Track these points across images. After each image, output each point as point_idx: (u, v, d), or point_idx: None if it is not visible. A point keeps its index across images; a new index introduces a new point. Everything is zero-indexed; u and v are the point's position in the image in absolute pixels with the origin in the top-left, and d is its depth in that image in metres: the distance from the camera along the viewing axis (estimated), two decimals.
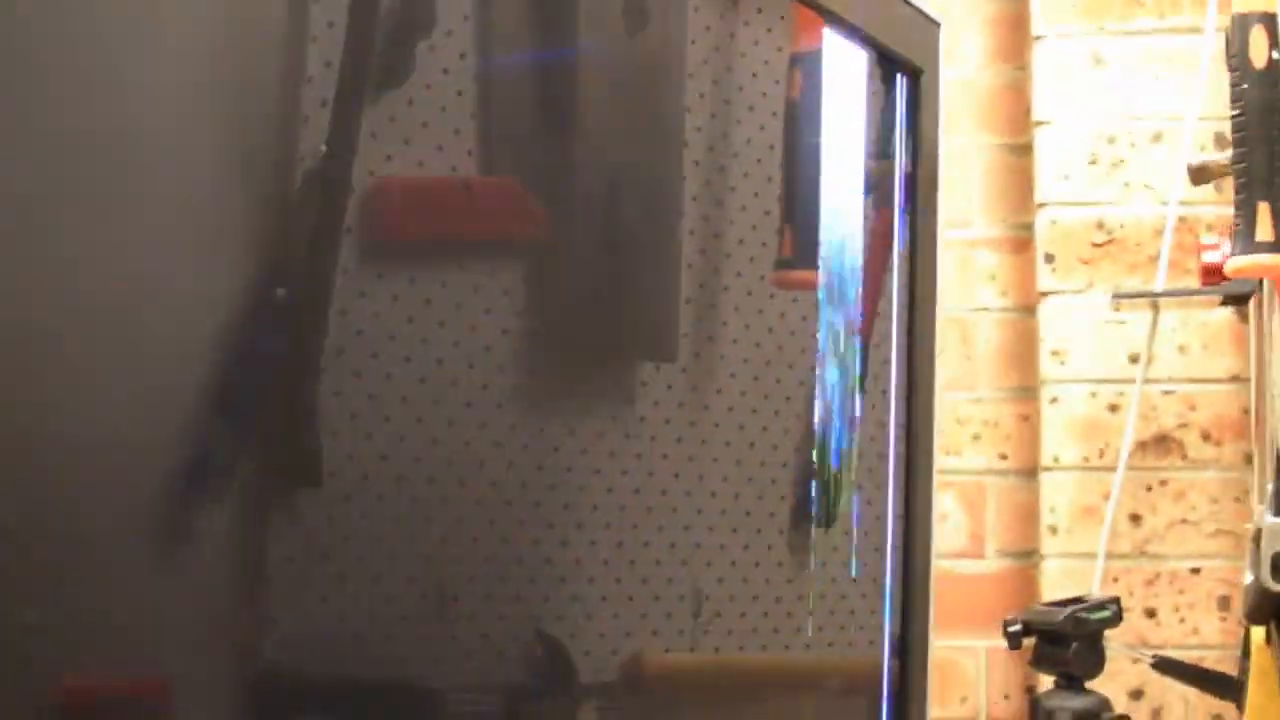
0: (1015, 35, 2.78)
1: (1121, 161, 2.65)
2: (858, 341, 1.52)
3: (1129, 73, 2.66)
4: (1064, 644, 2.11)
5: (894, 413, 1.58)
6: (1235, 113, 1.81)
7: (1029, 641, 2.14)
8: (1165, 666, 2.24)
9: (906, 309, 1.58)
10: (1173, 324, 2.60)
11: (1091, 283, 2.65)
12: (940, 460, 2.67)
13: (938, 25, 1.64)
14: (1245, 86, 1.80)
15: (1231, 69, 1.82)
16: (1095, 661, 2.12)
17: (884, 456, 1.57)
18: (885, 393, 1.56)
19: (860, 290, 1.53)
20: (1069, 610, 2.10)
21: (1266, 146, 1.78)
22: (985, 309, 2.79)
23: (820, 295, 1.45)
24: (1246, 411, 2.57)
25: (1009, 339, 2.77)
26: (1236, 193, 1.80)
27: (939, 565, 2.78)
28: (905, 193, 1.59)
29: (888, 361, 1.57)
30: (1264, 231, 1.76)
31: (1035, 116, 2.69)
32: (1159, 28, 2.65)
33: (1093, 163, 2.66)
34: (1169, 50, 2.65)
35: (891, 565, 1.59)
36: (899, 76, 1.59)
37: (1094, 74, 2.67)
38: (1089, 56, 2.67)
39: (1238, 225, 1.78)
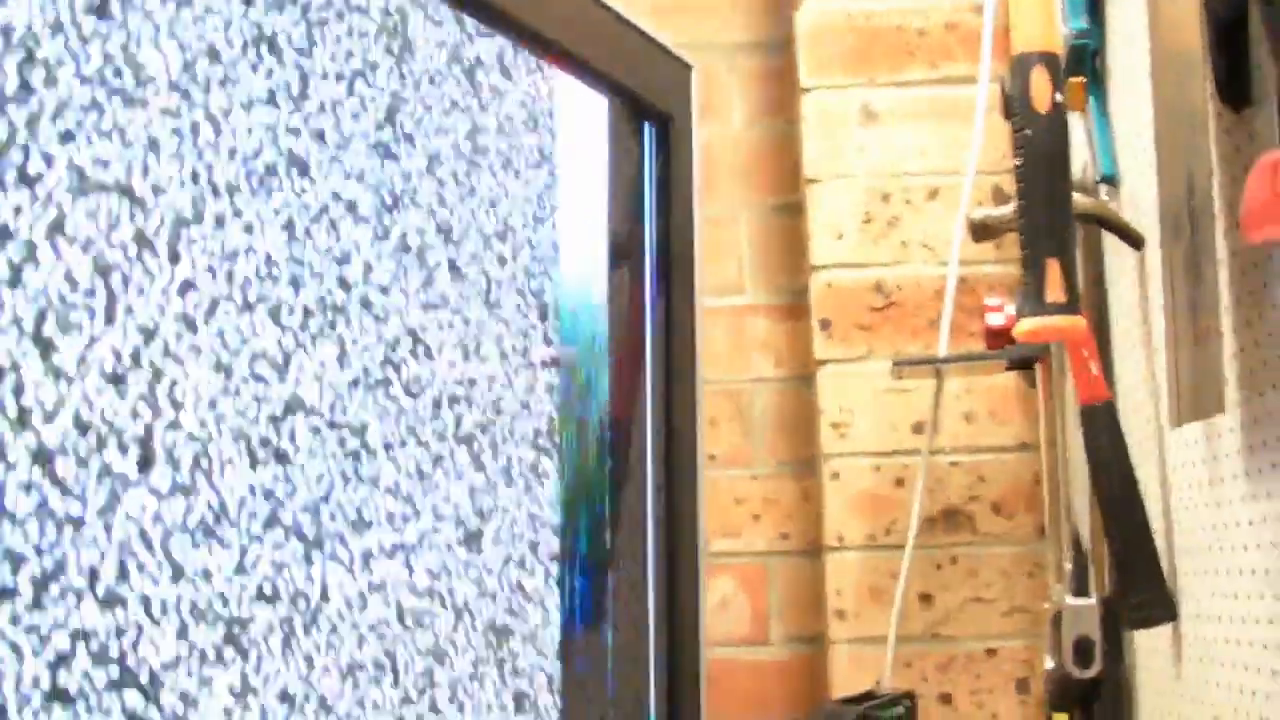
0: (782, 88, 2.63)
1: (897, 220, 2.50)
2: (608, 420, 1.34)
3: (902, 126, 2.51)
4: None
5: (651, 499, 1.39)
6: (1018, 162, 1.65)
7: None
8: None
9: (663, 382, 1.40)
10: (957, 391, 2.45)
11: (871, 349, 2.50)
12: (719, 543, 2.50)
13: (689, 68, 1.47)
14: (1028, 132, 1.64)
15: (1012, 114, 1.67)
16: None
17: (641, 545, 1.39)
18: (642, 475, 1.38)
19: (611, 365, 1.34)
20: (859, 710, 1.93)
21: (1053, 198, 1.63)
22: (761, 379, 2.62)
23: (559, 374, 1.26)
24: (1038, 481, 2.42)
25: (787, 410, 2.61)
26: (1023, 249, 1.64)
27: (720, 654, 2.61)
28: (657, 253, 1.41)
29: (643, 443, 1.39)
30: (1054, 291, 1.61)
31: (805, 174, 2.53)
32: (931, 78, 2.51)
33: (867, 221, 2.51)
34: (943, 102, 2.51)
35: (655, 672, 1.40)
36: (646, 124, 1.42)
37: (866, 128, 2.52)
38: (859, 110, 2.52)
39: (1025, 285, 1.62)
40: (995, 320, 2.07)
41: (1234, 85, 1.41)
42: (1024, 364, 2.24)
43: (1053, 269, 1.61)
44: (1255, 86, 1.39)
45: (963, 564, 2.46)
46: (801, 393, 2.58)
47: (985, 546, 2.46)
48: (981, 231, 1.87)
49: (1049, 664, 2.00)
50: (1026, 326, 1.62)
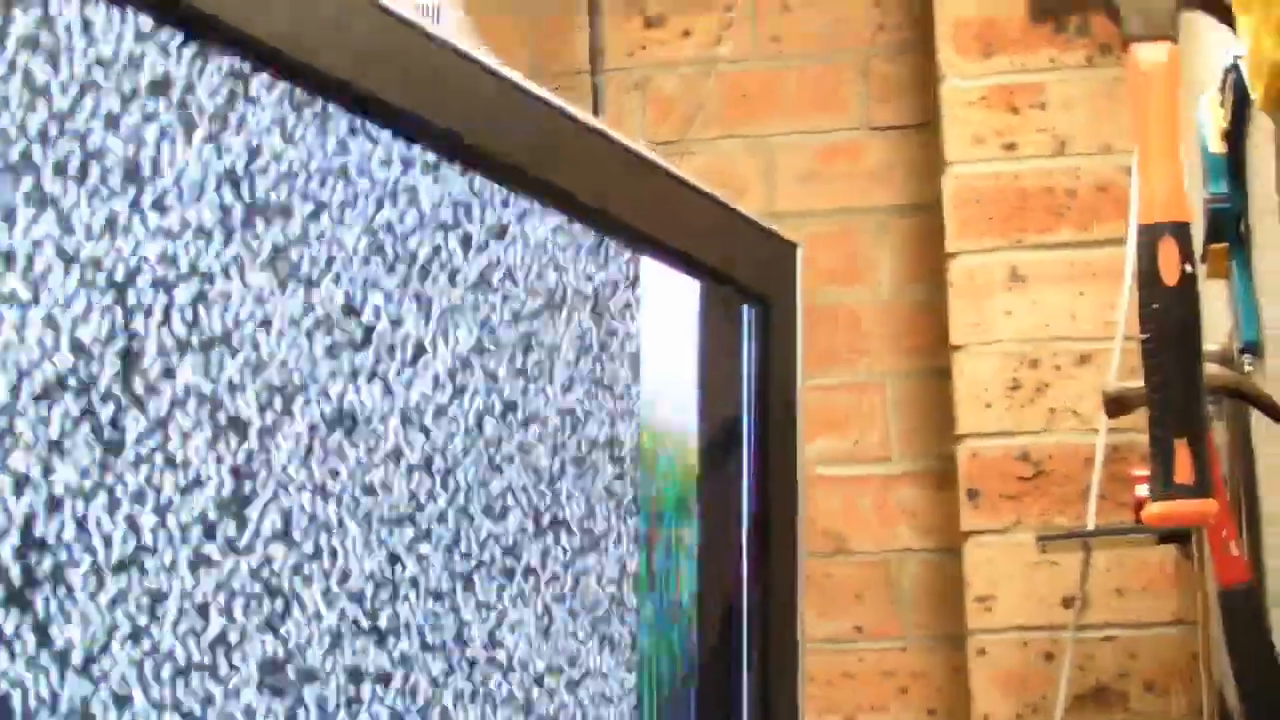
0: (930, 251, 2.58)
1: (1045, 386, 2.43)
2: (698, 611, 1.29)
3: (1051, 289, 2.45)
4: None
5: (746, 687, 1.34)
6: (1145, 337, 1.58)
7: None
8: None
9: (762, 582, 1.35)
10: (1108, 563, 2.36)
11: (1019, 519, 2.42)
12: (865, 718, 2.42)
13: (794, 247, 1.42)
14: (1156, 306, 1.57)
15: (1141, 286, 1.60)
16: None
17: None
18: (736, 666, 1.33)
19: (703, 561, 1.29)
20: None
21: (1182, 375, 1.56)
22: (908, 549, 2.55)
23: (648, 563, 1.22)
24: (1195, 658, 2.32)
25: (936, 581, 2.53)
26: (1151, 428, 1.57)
27: None
28: (754, 443, 1.36)
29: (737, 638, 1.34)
30: (1183, 473, 1.53)
31: (952, 339, 2.47)
32: (1080, 240, 2.45)
33: (1014, 388, 2.44)
34: (1094, 264, 2.45)
35: None
36: (744, 307, 1.37)
37: (1013, 292, 2.46)
38: (1007, 273, 2.46)
39: (1153, 466, 1.54)
40: (1145, 491, 1.99)
41: None
42: (1177, 537, 2.15)
43: (1181, 450, 1.53)
44: None
45: None
46: (949, 563, 2.51)
47: None
48: (1116, 406, 1.80)
49: None
50: (1154, 510, 1.54)
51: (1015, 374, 2.44)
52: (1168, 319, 1.57)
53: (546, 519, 1.09)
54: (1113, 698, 2.37)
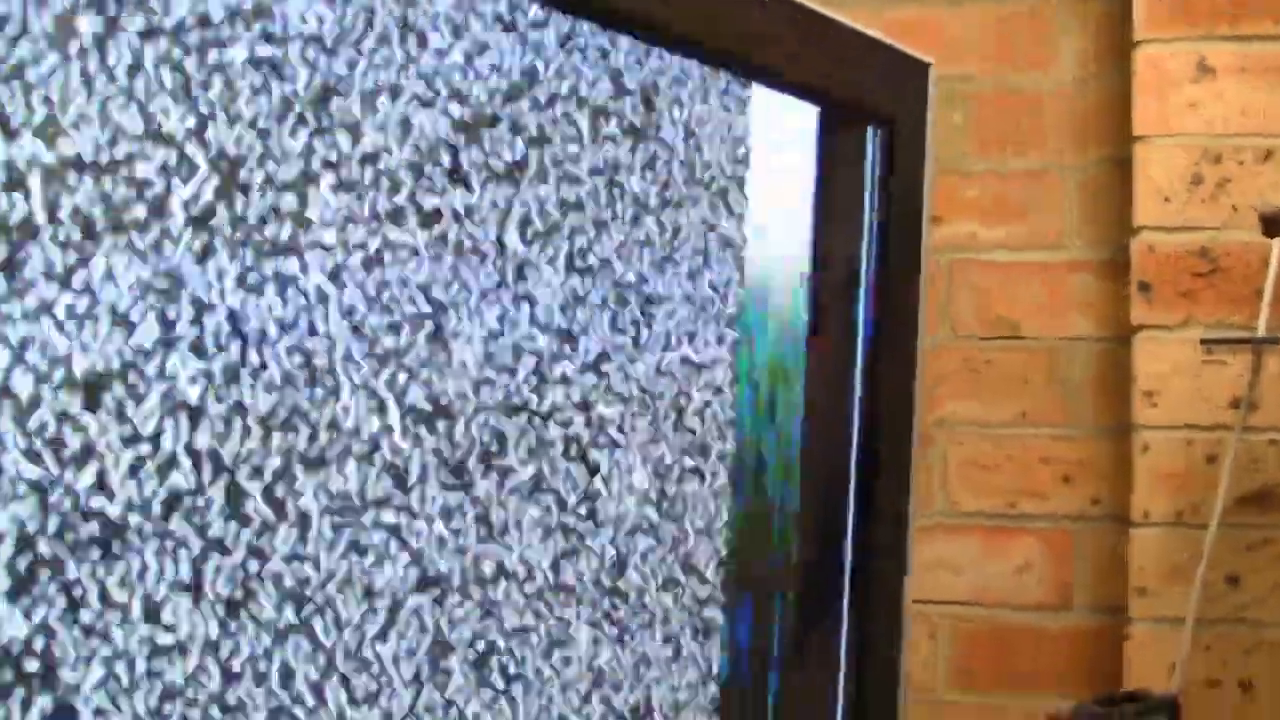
0: (1117, 38, 2.50)
1: (1227, 182, 2.37)
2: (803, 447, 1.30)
3: (1239, 83, 2.37)
4: None
5: (850, 541, 1.35)
6: None
7: None
8: None
9: (870, 419, 1.35)
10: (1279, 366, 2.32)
11: (1191, 316, 2.38)
12: (1024, 503, 2.43)
13: (927, 65, 1.40)
14: None
15: None
16: None
17: (835, 579, 1.35)
18: (840, 519, 1.34)
19: (811, 395, 1.30)
20: (1116, 712, 1.86)
21: None
22: (1079, 338, 2.52)
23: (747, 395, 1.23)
24: None
25: (1106, 372, 2.51)
26: None
27: (1017, 618, 2.54)
28: (875, 274, 1.35)
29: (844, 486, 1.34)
30: None
31: (1135, 130, 2.41)
32: (1272, 33, 2.36)
33: (1196, 182, 2.38)
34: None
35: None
36: (870, 128, 1.36)
37: (1200, 84, 2.39)
38: (1194, 65, 2.39)
39: None
40: None
41: None
42: None
43: None
44: None
45: (1275, 547, 2.34)
46: (1120, 355, 2.48)
47: None
48: (1274, 225, 1.76)
49: None
50: None
51: (1197, 168, 2.38)
52: None
53: (644, 339, 1.11)
54: (1276, 502, 2.34)
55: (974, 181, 2.56)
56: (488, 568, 0.96)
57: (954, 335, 2.56)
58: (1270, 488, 2.34)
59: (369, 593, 0.87)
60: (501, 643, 0.98)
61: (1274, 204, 1.75)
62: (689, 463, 1.16)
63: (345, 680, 0.86)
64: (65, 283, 0.71)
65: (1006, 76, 2.56)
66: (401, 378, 0.89)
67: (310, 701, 0.84)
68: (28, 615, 0.68)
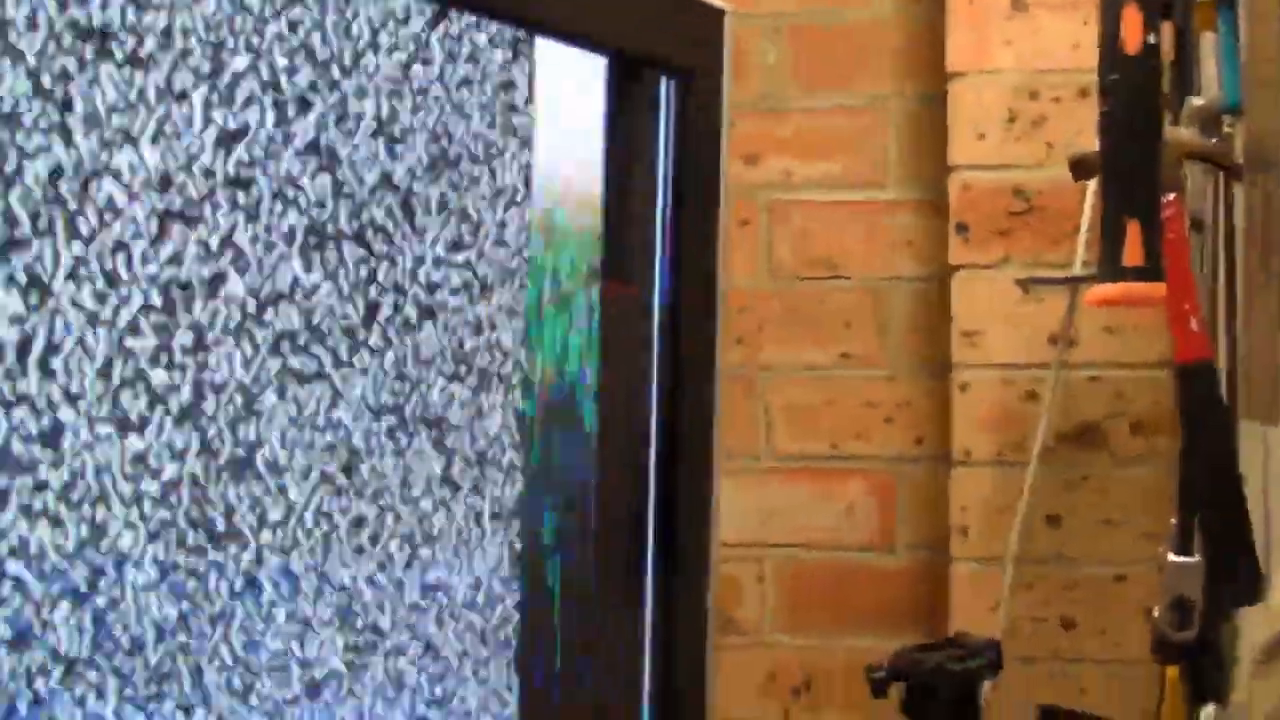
0: None
1: (1043, 119, 2.36)
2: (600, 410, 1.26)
3: (1055, 18, 2.35)
4: (933, 693, 1.85)
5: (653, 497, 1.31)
6: (1103, 109, 1.52)
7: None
8: (1053, 717, 1.97)
9: (671, 379, 1.31)
10: None
11: (1008, 255, 2.37)
12: (849, 445, 2.41)
13: (722, 13, 1.35)
14: (1115, 78, 1.50)
15: (1100, 56, 1.53)
16: (969, 714, 1.86)
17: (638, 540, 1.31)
18: (643, 478, 1.30)
19: (607, 358, 1.26)
20: (937, 659, 1.84)
21: (1139, 152, 1.50)
22: (899, 278, 2.50)
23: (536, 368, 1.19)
24: None
25: (927, 311, 2.49)
26: (1104, 204, 1.51)
27: (844, 559, 2.53)
28: (671, 227, 1.31)
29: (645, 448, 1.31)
30: (1133, 254, 1.48)
31: (949, 66, 2.39)
32: None
33: (1011, 120, 2.36)
34: None
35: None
36: (664, 80, 1.31)
37: (1015, 20, 2.36)
38: None
39: (1103, 246, 1.49)
40: None
41: None
42: None
43: (1133, 230, 1.48)
44: None
45: (1094, 484, 2.34)
46: (942, 294, 2.46)
47: (1120, 468, 2.34)
48: (1082, 170, 1.74)
49: (1155, 610, 1.89)
50: (1099, 294, 1.49)
51: (1013, 105, 2.36)
52: (1127, 91, 1.51)
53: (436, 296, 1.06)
54: (1096, 438, 2.34)
55: (791, 119, 2.53)
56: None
57: (773, 278, 2.53)
58: (1089, 424, 2.34)
59: None
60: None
61: (1081, 149, 1.73)
62: (485, 421, 1.12)
63: None
64: None
65: (824, 10, 2.53)
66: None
67: None
68: None
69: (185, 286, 0.88)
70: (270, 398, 0.93)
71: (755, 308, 2.52)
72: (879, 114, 2.51)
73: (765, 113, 2.53)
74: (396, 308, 1.04)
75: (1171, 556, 1.83)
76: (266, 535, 0.93)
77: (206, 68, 0.90)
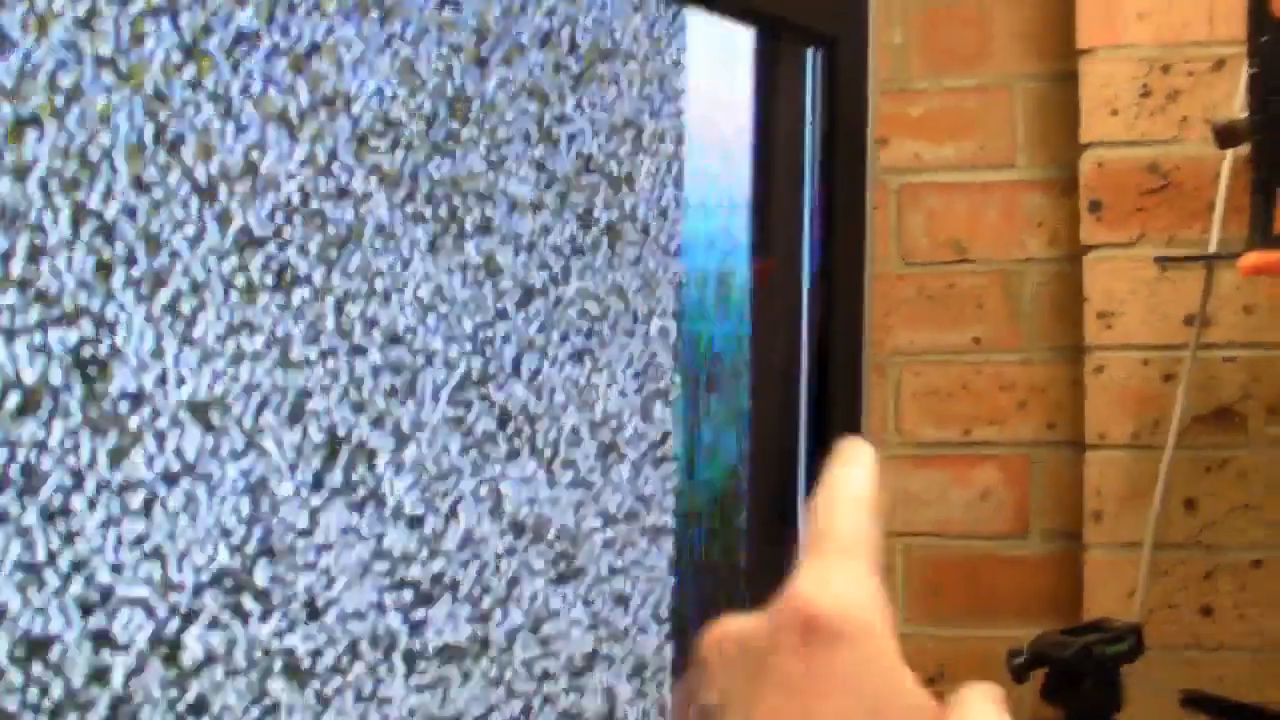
0: None
1: (1178, 94, 2.31)
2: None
3: None
4: (1076, 679, 1.82)
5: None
6: (1252, 71, 1.48)
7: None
8: (1197, 703, 1.94)
9: (819, 362, 1.29)
10: (1237, 281, 2.26)
11: (1144, 233, 2.33)
12: (982, 430, 2.38)
13: None
14: (1265, 39, 1.47)
15: (1249, 16, 1.49)
16: (1111, 699, 1.83)
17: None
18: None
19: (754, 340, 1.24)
20: (1080, 642, 1.81)
21: None
22: (1032, 259, 2.47)
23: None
24: None
25: (1060, 293, 2.45)
26: (1253, 171, 1.48)
27: (979, 546, 2.50)
28: (819, 201, 1.29)
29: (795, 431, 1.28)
30: None
31: (1080, 43, 2.35)
32: None
33: (1145, 95, 2.32)
34: None
35: None
36: (808, 51, 1.29)
37: None
38: None
39: (1253, 213, 1.46)
40: None
41: None
42: None
43: None
44: None
45: (1232, 468, 2.30)
46: (1073, 274, 2.42)
47: (1258, 450, 2.29)
48: (1228, 137, 1.70)
49: None
50: (1249, 261, 1.46)
51: (1146, 80, 2.32)
52: (1276, 54, 1.47)
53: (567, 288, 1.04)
54: (1233, 420, 2.30)
55: (919, 100, 2.50)
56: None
57: (904, 262, 2.50)
58: (1227, 406, 2.30)
59: None
60: None
61: (1227, 115, 1.69)
62: (635, 393, 1.10)
63: None
64: None
65: None
66: None
67: None
68: None
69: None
70: None
71: (887, 292, 2.50)
72: (1007, 93, 2.48)
73: (893, 94, 2.50)
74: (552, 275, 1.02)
75: None
76: None
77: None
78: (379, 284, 0.83)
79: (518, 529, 0.93)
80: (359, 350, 0.82)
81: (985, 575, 2.48)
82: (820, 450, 1.29)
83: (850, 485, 0.57)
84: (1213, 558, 2.29)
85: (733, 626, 0.53)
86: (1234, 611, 2.28)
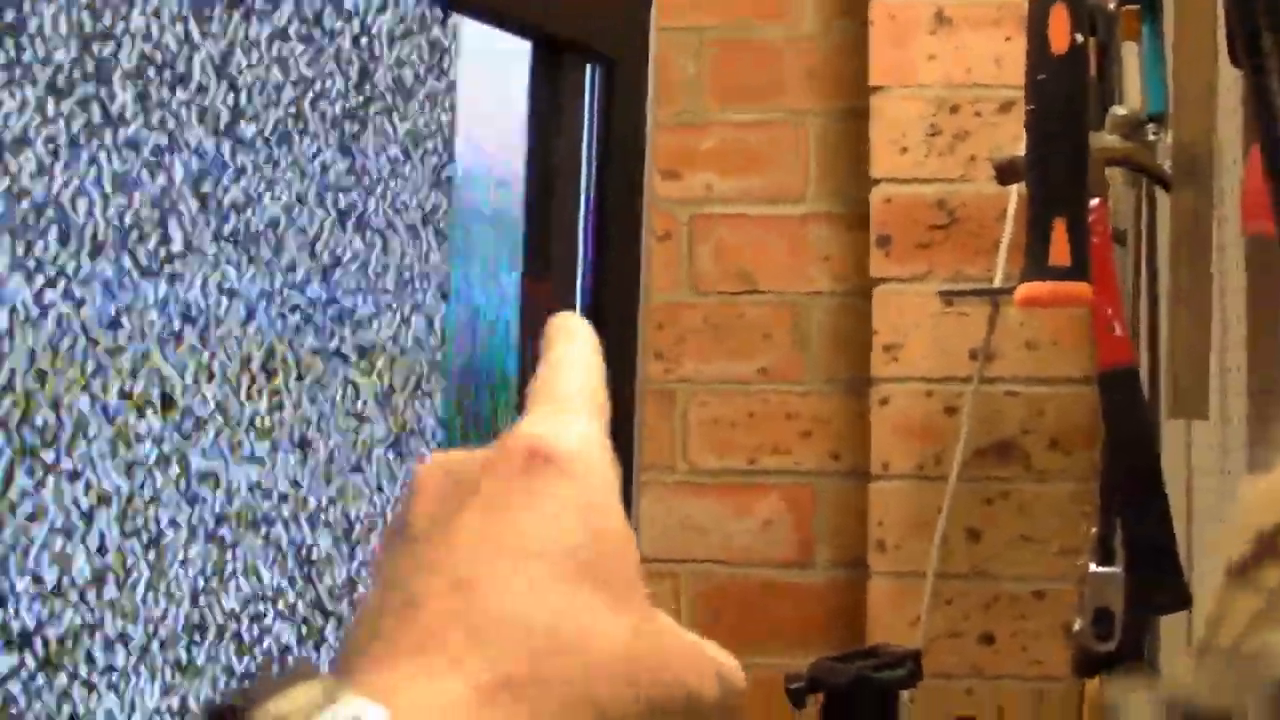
0: None
1: (965, 133, 2.35)
2: None
3: (976, 33, 2.35)
4: (850, 705, 1.83)
5: None
6: (1029, 108, 1.51)
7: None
8: None
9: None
10: (1021, 317, 2.30)
11: (931, 269, 2.36)
12: (766, 460, 2.39)
13: (648, 4, 1.34)
14: (1042, 77, 1.50)
15: (1028, 55, 1.52)
16: None
17: None
18: None
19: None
20: (856, 668, 1.82)
21: (1065, 151, 1.49)
22: (818, 292, 2.49)
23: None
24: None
25: (845, 325, 2.48)
26: (1030, 204, 1.50)
27: (762, 575, 2.51)
28: (594, 213, 1.29)
29: None
30: (1059, 254, 1.46)
31: (872, 80, 2.38)
32: None
33: (933, 134, 2.36)
34: (1020, 8, 2.32)
35: None
36: (589, 67, 1.29)
37: (938, 35, 2.36)
38: (932, 15, 2.36)
39: (1029, 245, 1.48)
40: None
41: (1247, 47, 1.26)
42: None
43: (1059, 229, 1.47)
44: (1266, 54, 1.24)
45: (1014, 500, 2.33)
46: (859, 308, 2.44)
47: (1039, 483, 2.33)
48: (1007, 173, 1.73)
49: (1076, 625, 1.88)
50: (1025, 292, 1.48)
51: (935, 119, 2.36)
52: (1054, 91, 1.50)
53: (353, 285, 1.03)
54: (1015, 453, 2.33)
55: (711, 133, 2.52)
56: None
57: (694, 291, 2.51)
58: (1008, 439, 2.33)
59: None
60: None
61: (1009, 153, 1.72)
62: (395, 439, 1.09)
63: None
64: None
65: (744, 24, 2.52)
66: None
67: None
68: None
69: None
70: None
71: (675, 321, 2.50)
72: (799, 128, 2.50)
73: (685, 126, 2.51)
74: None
75: (1093, 567, 1.82)
76: None
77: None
78: None
79: None
80: None
81: (768, 603, 2.50)
82: None
83: (574, 349, 0.55)
84: (994, 587, 2.32)
85: (450, 456, 0.51)
86: (1015, 641, 2.32)
